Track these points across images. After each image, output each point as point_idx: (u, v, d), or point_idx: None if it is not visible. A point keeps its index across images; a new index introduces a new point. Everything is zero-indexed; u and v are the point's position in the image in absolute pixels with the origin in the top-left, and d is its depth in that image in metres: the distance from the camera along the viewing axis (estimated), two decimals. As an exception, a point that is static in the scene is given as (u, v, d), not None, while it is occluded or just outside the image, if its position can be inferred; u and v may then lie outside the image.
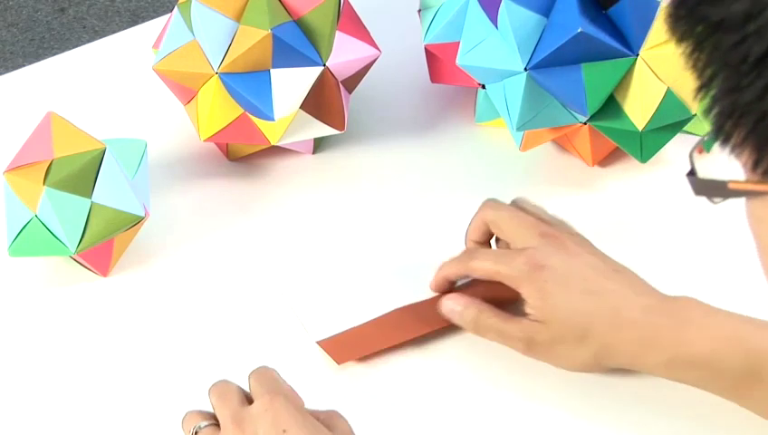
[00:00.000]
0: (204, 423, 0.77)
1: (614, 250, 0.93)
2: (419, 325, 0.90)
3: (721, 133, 0.52)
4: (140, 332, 0.92)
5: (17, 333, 0.92)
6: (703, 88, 0.52)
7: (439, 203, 1.00)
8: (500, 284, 0.88)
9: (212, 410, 0.78)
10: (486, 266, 0.87)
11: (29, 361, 0.91)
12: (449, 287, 0.91)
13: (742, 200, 0.55)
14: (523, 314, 0.86)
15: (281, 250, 0.97)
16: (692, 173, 0.57)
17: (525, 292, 0.85)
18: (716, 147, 0.53)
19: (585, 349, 0.84)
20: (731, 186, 0.53)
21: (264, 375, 0.79)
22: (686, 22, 0.52)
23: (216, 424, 0.77)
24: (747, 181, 0.52)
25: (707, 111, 0.52)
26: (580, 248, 0.87)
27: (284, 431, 0.74)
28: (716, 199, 0.55)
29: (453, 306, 0.88)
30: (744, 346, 0.80)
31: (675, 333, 0.82)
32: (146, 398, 0.88)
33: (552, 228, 0.88)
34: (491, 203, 0.91)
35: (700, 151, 0.56)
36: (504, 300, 0.88)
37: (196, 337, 0.92)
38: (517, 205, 0.91)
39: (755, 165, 0.50)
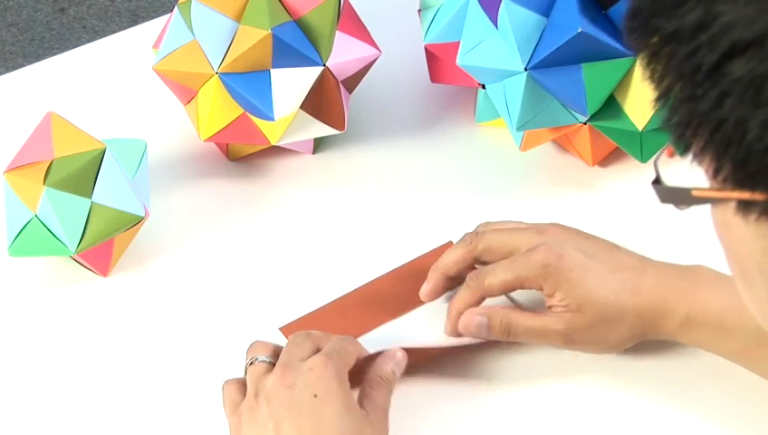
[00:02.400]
0: (262, 357, 0.82)
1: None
2: (380, 314, 0.90)
3: (681, 142, 0.52)
4: (140, 332, 0.92)
5: (17, 333, 0.92)
6: (661, 98, 0.52)
7: (439, 203, 1.00)
8: None
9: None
10: (505, 278, 0.85)
11: (29, 361, 0.91)
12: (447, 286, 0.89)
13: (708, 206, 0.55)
14: (548, 309, 0.86)
15: (281, 250, 0.97)
16: (657, 181, 0.57)
17: (551, 286, 0.84)
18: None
19: (618, 326, 0.84)
20: (694, 193, 0.53)
21: (341, 343, 0.83)
22: (641, 33, 0.52)
23: (275, 363, 0.82)
24: (710, 189, 0.52)
25: (667, 121, 0.52)
26: (578, 234, 0.88)
27: (315, 396, 0.78)
28: (682, 206, 0.56)
29: (479, 321, 0.85)
30: None
31: (689, 294, 0.83)
32: (146, 397, 0.88)
33: (538, 225, 0.89)
34: (468, 235, 0.88)
35: (672, 155, 0.57)
36: None
37: (196, 337, 0.92)
38: (485, 227, 0.90)
39: (716, 173, 0.51)
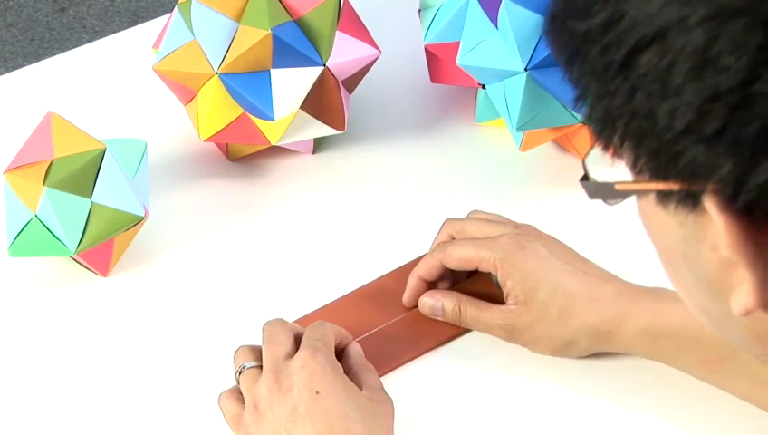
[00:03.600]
0: (249, 364, 0.82)
1: (613, 250, 0.93)
2: (381, 314, 0.91)
3: (601, 138, 0.54)
4: (140, 332, 0.92)
5: (17, 333, 0.92)
6: (580, 98, 0.54)
7: (439, 203, 1.00)
8: (478, 285, 0.89)
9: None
10: (465, 252, 0.88)
11: (29, 361, 0.91)
12: (425, 290, 0.91)
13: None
14: (503, 301, 0.87)
15: (281, 250, 0.97)
16: (585, 178, 0.59)
17: (506, 272, 0.86)
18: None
19: (565, 328, 0.85)
20: (617, 187, 0.55)
21: (317, 330, 0.83)
22: (558, 36, 0.54)
23: (261, 366, 0.81)
24: (630, 181, 0.54)
25: (587, 119, 0.54)
26: (554, 239, 0.90)
27: (317, 393, 0.78)
28: (610, 201, 0.58)
29: (434, 303, 0.89)
30: None
31: (650, 305, 0.84)
32: (145, 397, 0.88)
33: (522, 225, 0.91)
34: (452, 219, 0.92)
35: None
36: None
37: (196, 337, 0.92)
38: (475, 214, 0.93)
39: (634, 165, 0.52)
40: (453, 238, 0.91)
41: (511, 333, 0.87)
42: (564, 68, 0.55)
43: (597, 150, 0.57)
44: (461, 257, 0.88)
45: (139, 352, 0.91)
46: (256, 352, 0.83)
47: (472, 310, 0.88)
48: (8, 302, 0.94)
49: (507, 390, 0.88)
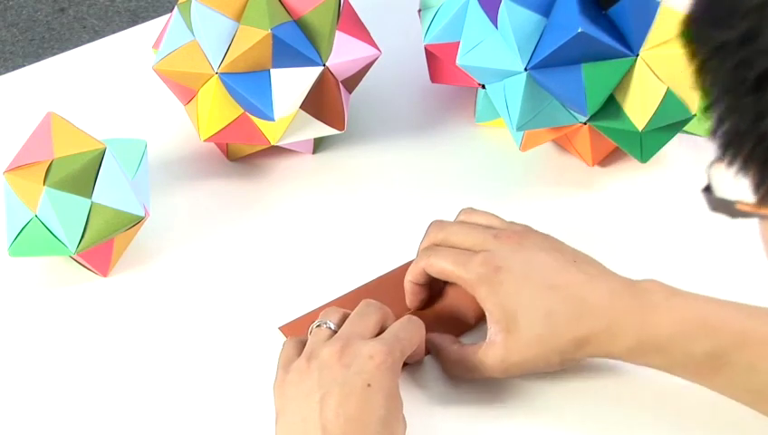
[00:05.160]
0: (330, 323, 0.83)
1: (613, 250, 0.93)
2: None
3: (727, 154, 0.51)
4: (140, 332, 0.92)
5: (17, 333, 0.92)
6: (708, 108, 0.52)
7: (439, 203, 1.00)
8: (459, 300, 0.89)
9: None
10: (444, 267, 0.87)
11: (29, 361, 0.91)
12: (421, 292, 0.90)
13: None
14: (485, 330, 0.85)
15: (280, 250, 0.97)
16: (708, 189, 0.56)
17: (482, 296, 0.84)
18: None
19: (553, 352, 0.83)
20: (739, 207, 0.53)
21: (407, 330, 0.83)
22: (693, 42, 0.52)
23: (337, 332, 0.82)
24: (753, 204, 0.52)
25: (714, 131, 0.52)
26: (537, 245, 0.86)
27: (369, 386, 0.78)
28: (733, 218, 0.55)
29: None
30: (708, 327, 0.81)
31: (640, 317, 0.82)
32: (146, 397, 0.88)
33: (506, 229, 0.88)
34: (436, 223, 0.90)
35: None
36: (464, 317, 0.90)
37: (196, 337, 0.92)
38: (465, 214, 0.92)
39: (757, 188, 0.50)
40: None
41: (506, 372, 0.85)
42: (695, 75, 0.52)
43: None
44: (440, 271, 0.87)
45: (139, 352, 0.91)
46: (342, 318, 0.84)
47: (457, 365, 0.86)
48: (8, 302, 0.95)
49: (507, 390, 0.87)
